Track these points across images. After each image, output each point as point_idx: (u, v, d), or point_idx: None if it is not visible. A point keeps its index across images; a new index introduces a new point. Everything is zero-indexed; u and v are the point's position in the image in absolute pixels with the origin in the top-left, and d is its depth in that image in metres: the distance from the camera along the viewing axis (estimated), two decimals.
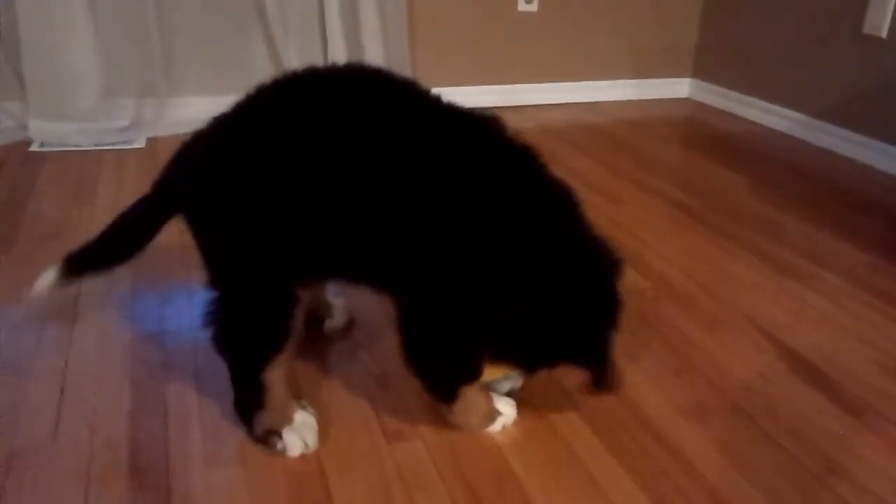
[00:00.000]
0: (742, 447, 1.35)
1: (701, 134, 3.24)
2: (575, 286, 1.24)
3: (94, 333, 1.61)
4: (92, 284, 1.79)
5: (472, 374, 1.31)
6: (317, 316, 1.63)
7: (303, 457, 1.29)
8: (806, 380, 1.55)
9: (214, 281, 1.27)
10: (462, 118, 1.26)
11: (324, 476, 1.26)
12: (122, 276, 1.83)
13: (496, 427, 1.37)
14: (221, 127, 1.27)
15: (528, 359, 1.31)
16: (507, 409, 1.38)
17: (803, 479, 1.28)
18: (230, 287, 1.27)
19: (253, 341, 1.28)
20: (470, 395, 1.33)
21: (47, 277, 1.41)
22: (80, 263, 1.45)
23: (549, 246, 1.23)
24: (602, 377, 1.29)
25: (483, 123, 1.26)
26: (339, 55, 3.06)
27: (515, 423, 1.39)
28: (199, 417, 1.38)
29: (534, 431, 1.38)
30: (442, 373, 1.31)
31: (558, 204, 1.27)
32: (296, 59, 3.01)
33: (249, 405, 1.31)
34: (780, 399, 1.48)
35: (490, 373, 1.33)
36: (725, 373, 1.56)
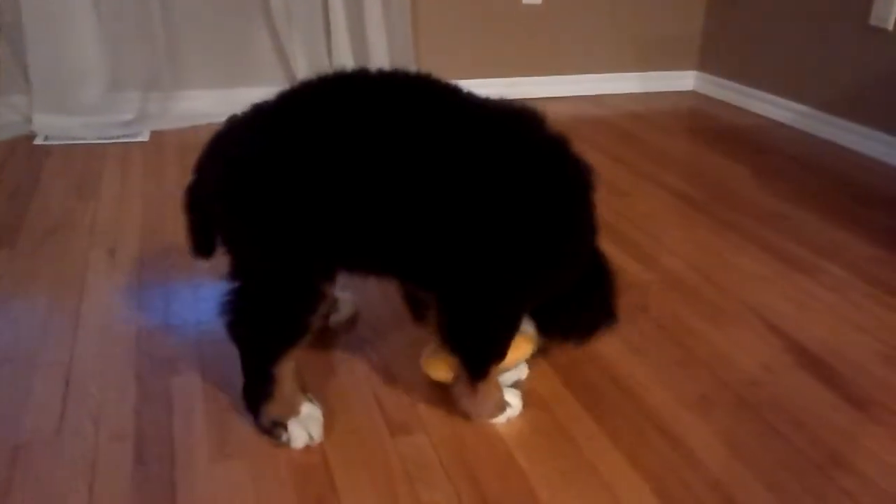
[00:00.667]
0: (746, 439, 1.35)
1: (706, 126, 3.23)
2: (594, 266, 1.38)
3: (99, 327, 1.62)
4: (97, 279, 1.80)
5: (505, 353, 1.34)
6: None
7: (307, 449, 1.30)
8: (810, 372, 1.54)
9: (238, 271, 1.28)
10: (495, 117, 1.26)
11: (328, 468, 1.26)
12: (127, 271, 1.83)
13: (502, 419, 1.37)
14: (261, 118, 1.26)
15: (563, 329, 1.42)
16: (514, 401, 1.39)
17: (807, 471, 1.28)
18: (254, 279, 1.27)
19: (270, 334, 1.29)
20: (493, 379, 1.35)
21: None
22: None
23: (576, 232, 1.30)
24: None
25: (516, 118, 1.28)
26: (342, 48, 3.05)
27: (520, 415, 1.39)
28: (203, 411, 1.38)
29: (538, 424, 1.38)
30: (480, 352, 1.33)
31: (581, 195, 1.29)
32: (299, 52, 3.00)
33: (258, 395, 1.31)
34: (784, 391, 1.48)
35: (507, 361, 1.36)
36: (730, 365, 1.56)
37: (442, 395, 1.42)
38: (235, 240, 1.27)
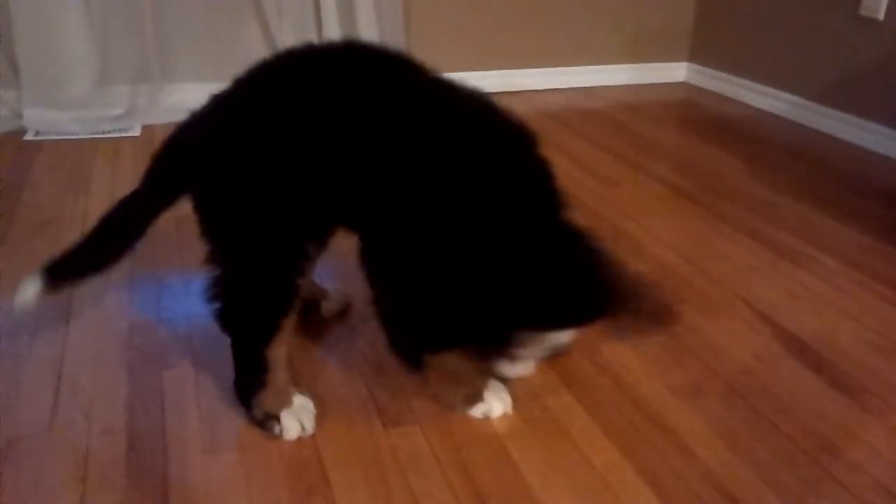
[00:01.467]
0: (737, 428, 1.35)
1: (697, 117, 3.24)
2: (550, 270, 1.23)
3: (90, 321, 1.61)
4: None
5: (442, 340, 1.29)
6: (313, 301, 1.63)
7: (299, 441, 1.30)
8: (801, 361, 1.55)
9: (219, 254, 1.29)
10: (441, 86, 1.31)
11: (321, 461, 1.26)
12: (117, 265, 1.83)
13: (476, 412, 1.36)
14: (224, 101, 1.31)
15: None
16: (495, 403, 1.37)
17: (798, 459, 1.29)
18: (237, 255, 1.29)
19: (261, 306, 1.29)
20: (450, 364, 1.33)
21: (30, 289, 1.37)
22: (64, 271, 1.41)
23: (499, 193, 1.24)
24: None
25: (444, 84, 1.32)
26: (333, 39, 3.04)
27: (509, 410, 1.39)
28: (195, 404, 1.38)
29: (530, 415, 1.38)
30: (407, 331, 1.30)
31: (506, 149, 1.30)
32: (290, 44, 2.97)
33: (250, 385, 1.31)
34: (774, 380, 1.49)
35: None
36: (720, 354, 1.56)
37: None
38: (213, 216, 1.30)
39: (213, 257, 1.29)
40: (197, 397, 1.40)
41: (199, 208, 1.31)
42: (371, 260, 1.29)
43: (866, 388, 1.47)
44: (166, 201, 1.40)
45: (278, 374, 1.32)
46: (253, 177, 1.24)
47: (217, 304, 1.30)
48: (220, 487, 1.20)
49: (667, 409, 1.40)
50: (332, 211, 1.29)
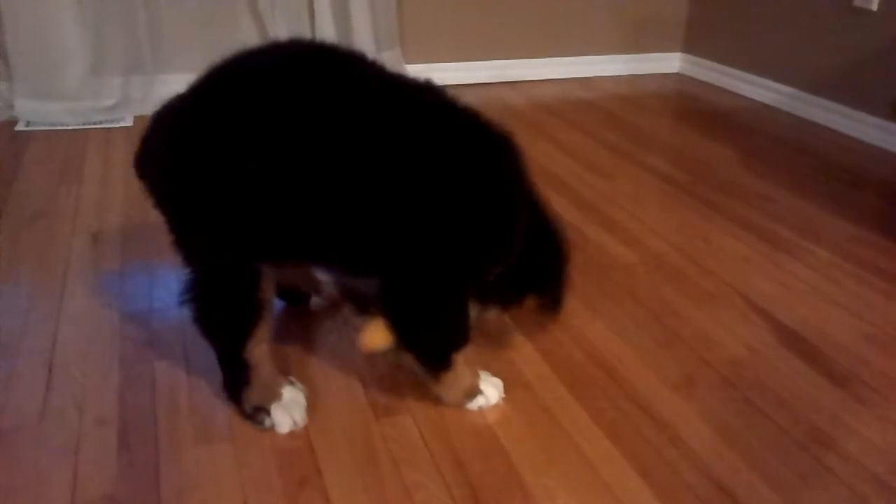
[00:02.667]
0: (729, 419, 1.36)
1: (691, 108, 3.23)
2: (539, 238, 1.34)
3: (81, 312, 1.61)
4: (80, 264, 1.78)
5: (464, 339, 1.33)
6: (304, 292, 1.63)
7: (291, 433, 1.30)
8: (794, 352, 1.55)
9: (186, 261, 1.29)
10: (406, 88, 1.26)
11: (312, 451, 1.26)
12: (110, 256, 1.82)
13: (473, 405, 1.37)
14: (175, 110, 1.26)
15: (502, 299, 1.41)
16: (490, 391, 1.38)
17: (790, 450, 1.29)
18: (198, 266, 1.28)
19: (227, 318, 1.29)
20: (458, 366, 1.33)
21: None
22: None
23: (511, 205, 1.26)
24: (559, 303, 1.42)
25: (429, 91, 1.27)
26: (327, 31, 3.04)
27: (504, 397, 1.39)
28: (187, 395, 1.38)
29: (521, 405, 1.38)
30: (433, 342, 1.31)
31: (507, 161, 1.28)
32: (283, 34, 2.96)
33: (236, 383, 1.31)
34: (767, 371, 1.49)
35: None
36: (713, 345, 1.56)
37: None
38: (172, 227, 1.29)
39: (184, 261, 1.29)
40: (188, 388, 1.39)
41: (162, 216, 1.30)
42: (390, 299, 1.27)
43: (860, 380, 1.47)
44: None
45: (261, 369, 1.31)
46: (196, 194, 1.21)
47: (191, 308, 1.29)
48: (211, 478, 1.20)
49: (659, 400, 1.40)
50: (284, 235, 1.23)
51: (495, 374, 1.41)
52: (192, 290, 1.28)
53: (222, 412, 1.34)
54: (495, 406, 1.37)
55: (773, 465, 1.25)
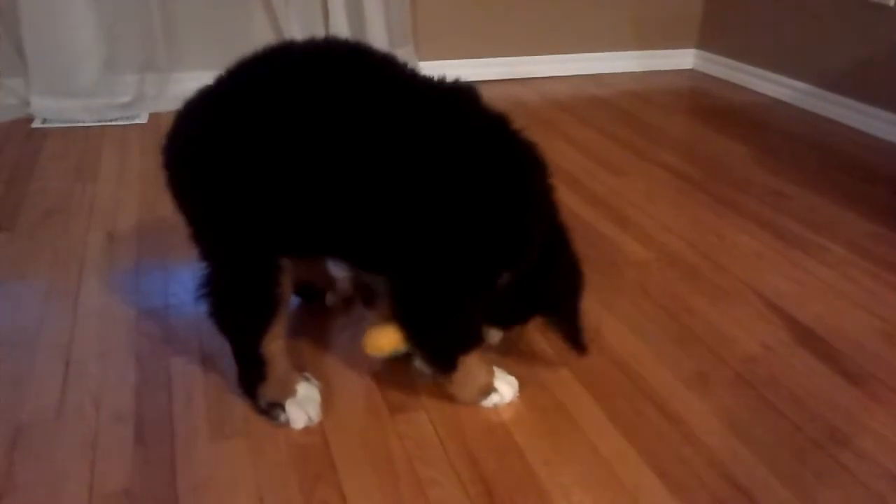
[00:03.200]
0: (744, 416, 1.35)
1: (705, 104, 3.22)
2: (552, 250, 1.33)
3: (97, 308, 1.62)
4: (95, 261, 1.79)
5: (474, 342, 1.33)
6: (320, 289, 1.63)
7: (306, 429, 1.30)
8: (809, 349, 1.55)
9: (204, 255, 1.29)
10: (436, 91, 1.26)
11: (327, 447, 1.26)
12: (125, 252, 1.83)
13: (488, 403, 1.37)
14: (202, 102, 1.27)
15: (508, 316, 1.41)
16: (505, 389, 1.38)
17: (805, 448, 1.28)
18: (216, 260, 1.29)
19: (244, 313, 1.29)
20: (471, 365, 1.33)
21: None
22: None
23: (529, 214, 1.26)
24: (575, 332, 1.38)
25: (457, 95, 1.26)
26: (340, 27, 3.04)
27: (517, 394, 1.39)
28: (203, 390, 1.38)
29: (536, 402, 1.38)
30: (442, 343, 1.32)
31: (531, 171, 1.27)
32: (297, 31, 2.99)
33: (252, 378, 1.32)
34: (782, 368, 1.48)
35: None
36: (728, 343, 1.56)
37: None
38: (192, 220, 1.29)
39: (202, 256, 1.30)
40: (204, 384, 1.40)
41: (180, 210, 1.31)
42: (401, 297, 1.28)
43: (875, 377, 1.47)
44: None
45: (277, 364, 1.32)
46: (219, 185, 1.22)
47: (208, 303, 1.30)
48: (227, 473, 1.20)
49: (674, 396, 1.40)
50: (305, 229, 1.25)
51: (509, 372, 1.41)
52: (209, 284, 1.29)
53: (238, 408, 1.34)
54: (510, 403, 1.37)
55: (788, 463, 1.25)
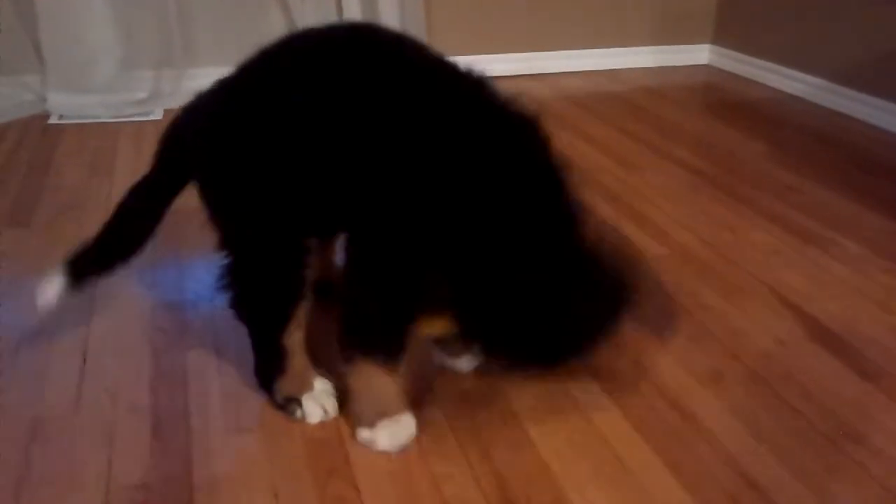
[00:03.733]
0: (758, 413, 1.35)
1: (720, 100, 3.21)
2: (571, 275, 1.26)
3: (114, 302, 1.63)
4: None
5: (409, 316, 1.25)
6: (328, 283, 1.63)
7: (321, 423, 1.31)
8: (824, 346, 1.54)
9: (226, 243, 1.30)
10: (448, 72, 1.29)
11: (342, 442, 1.27)
12: (141, 253, 1.84)
13: (392, 444, 1.26)
14: (227, 88, 1.30)
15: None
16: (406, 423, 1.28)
17: (820, 445, 1.28)
18: (240, 247, 1.29)
19: (269, 298, 1.30)
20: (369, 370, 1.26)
21: (51, 288, 1.39)
22: (85, 266, 1.43)
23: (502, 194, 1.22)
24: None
25: (471, 80, 1.29)
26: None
27: (529, 389, 1.39)
28: (218, 384, 1.39)
29: (548, 396, 1.38)
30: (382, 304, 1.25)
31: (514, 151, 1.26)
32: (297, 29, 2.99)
33: (270, 371, 1.32)
34: (797, 365, 1.48)
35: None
36: (742, 339, 1.56)
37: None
38: (216, 206, 1.30)
39: (222, 245, 1.30)
40: (220, 378, 1.41)
41: (202, 196, 1.32)
42: (360, 254, 1.26)
43: (889, 374, 1.46)
44: (175, 187, 1.42)
45: (296, 358, 1.32)
46: (248, 169, 1.24)
47: (229, 293, 1.31)
48: (242, 467, 1.21)
49: (688, 393, 1.40)
50: (332, 208, 1.26)
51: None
52: (230, 273, 1.29)
53: (253, 402, 1.35)
54: (522, 398, 1.37)
55: (802, 459, 1.25)
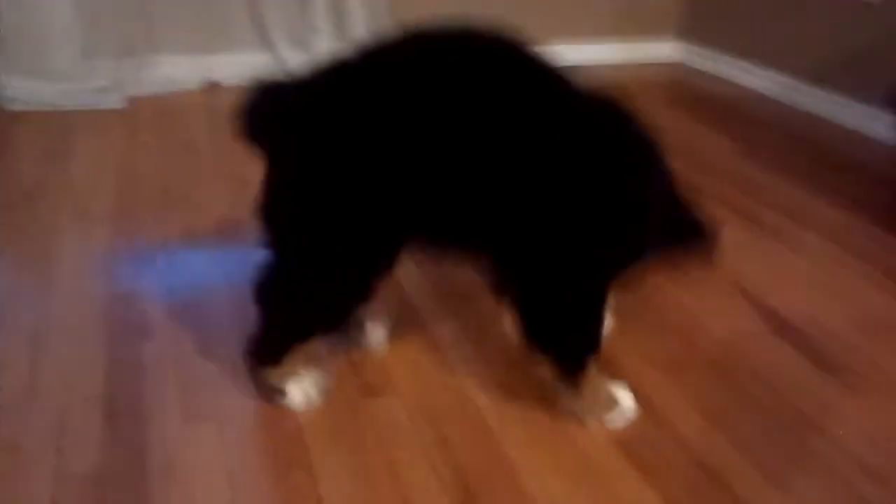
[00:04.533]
0: (718, 403, 1.35)
1: (686, 96, 3.23)
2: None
3: (70, 292, 1.60)
4: (69, 244, 1.78)
5: (597, 340, 1.29)
6: None
7: (280, 412, 1.29)
8: (784, 338, 1.55)
9: (280, 245, 1.23)
10: (569, 91, 1.36)
11: (300, 431, 1.26)
12: (99, 237, 1.81)
13: (619, 421, 1.30)
14: (329, 77, 1.22)
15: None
16: (625, 398, 1.32)
17: (777, 434, 1.29)
18: (303, 258, 1.22)
19: (310, 319, 1.28)
20: (592, 375, 1.30)
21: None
22: None
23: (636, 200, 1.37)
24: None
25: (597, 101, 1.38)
26: (318, 13, 3.01)
27: (489, 378, 1.38)
28: (175, 375, 1.37)
29: (509, 387, 1.37)
30: (569, 341, 1.28)
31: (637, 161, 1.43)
32: (275, 16, 2.96)
33: (265, 361, 1.30)
34: (756, 356, 1.49)
35: None
36: (703, 330, 1.56)
37: (414, 357, 1.43)
38: (304, 196, 1.20)
39: (272, 243, 1.23)
40: (176, 368, 1.39)
41: (276, 183, 1.21)
42: (526, 293, 1.26)
43: (848, 367, 1.47)
44: None
45: (296, 357, 1.30)
46: (343, 173, 1.17)
47: (266, 293, 1.27)
48: (198, 456, 1.20)
49: (647, 382, 1.40)
50: (442, 224, 1.23)
51: (482, 357, 1.40)
52: (278, 275, 1.25)
53: (210, 392, 1.33)
54: (482, 387, 1.36)
55: (761, 449, 1.25)
